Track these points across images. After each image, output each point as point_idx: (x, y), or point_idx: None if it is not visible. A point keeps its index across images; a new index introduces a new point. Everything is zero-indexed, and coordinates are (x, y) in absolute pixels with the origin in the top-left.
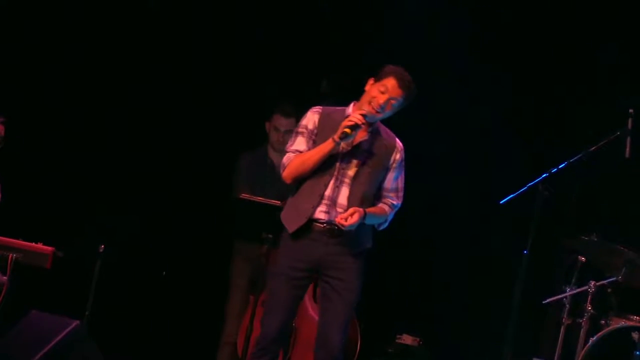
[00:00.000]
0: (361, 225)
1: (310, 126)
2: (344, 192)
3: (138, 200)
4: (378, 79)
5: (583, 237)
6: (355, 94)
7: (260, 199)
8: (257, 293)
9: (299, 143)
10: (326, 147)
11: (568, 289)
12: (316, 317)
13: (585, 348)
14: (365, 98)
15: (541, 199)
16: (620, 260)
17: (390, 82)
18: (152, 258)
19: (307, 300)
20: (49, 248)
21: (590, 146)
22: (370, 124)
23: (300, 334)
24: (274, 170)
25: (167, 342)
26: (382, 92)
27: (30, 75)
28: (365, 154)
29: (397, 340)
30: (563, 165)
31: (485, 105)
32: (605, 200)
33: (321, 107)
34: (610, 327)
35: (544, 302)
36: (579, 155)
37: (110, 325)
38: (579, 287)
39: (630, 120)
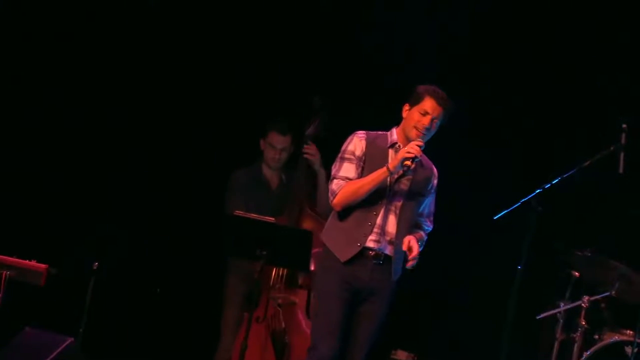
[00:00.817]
0: (401, 259)
1: (358, 152)
2: (392, 220)
3: (132, 217)
4: (414, 102)
5: (577, 252)
6: (351, 110)
7: (254, 215)
8: (252, 310)
9: (348, 170)
10: (381, 176)
11: (562, 304)
12: (308, 332)
13: None
14: (408, 124)
15: (534, 215)
16: (613, 275)
17: (428, 103)
18: (146, 275)
19: (301, 315)
20: (43, 265)
21: (583, 161)
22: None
23: (293, 349)
24: (269, 187)
25: (162, 359)
26: (424, 115)
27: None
28: (410, 181)
29: (391, 356)
30: (556, 180)
31: (480, 120)
32: (599, 215)
33: (364, 132)
34: (604, 342)
35: (538, 317)
36: (573, 171)
37: (104, 342)
38: (572, 302)
39: (623, 136)
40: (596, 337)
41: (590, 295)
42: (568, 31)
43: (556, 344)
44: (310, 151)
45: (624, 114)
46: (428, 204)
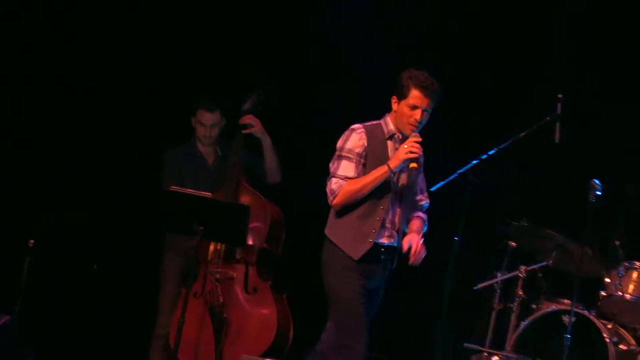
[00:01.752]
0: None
1: (359, 149)
2: (398, 211)
3: (68, 195)
4: (401, 96)
5: (513, 222)
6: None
7: (190, 191)
8: (189, 285)
9: (347, 169)
10: (383, 175)
11: (499, 274)
12: (246, 306)
13: (516, 332)
14: (401, 118)
15: (471, 186)
16: (550, 244)
17: (415, 96)
18: (83, 251)
19: (237, 291)
20: None
21: (519, 132)
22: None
23: (231, 325)
24: (204, 163)
25: (100, 335)
26: (413, 108)
27: None
28: (417, 176)
29: None
30: (493, 151)
31: None
32: (535, 185)
33: (361, 125)
34: (541, 311)
35: (475, 287)
36: (509, 142)
37: (41, 319)
38: (509, 272)
39: (559, 105)
40: (533, 306)
41: (527, 265)
42: (504, 5)
43: (494, 314)
44: (250, 122)
45: (560, 84)
46: (420, 180)
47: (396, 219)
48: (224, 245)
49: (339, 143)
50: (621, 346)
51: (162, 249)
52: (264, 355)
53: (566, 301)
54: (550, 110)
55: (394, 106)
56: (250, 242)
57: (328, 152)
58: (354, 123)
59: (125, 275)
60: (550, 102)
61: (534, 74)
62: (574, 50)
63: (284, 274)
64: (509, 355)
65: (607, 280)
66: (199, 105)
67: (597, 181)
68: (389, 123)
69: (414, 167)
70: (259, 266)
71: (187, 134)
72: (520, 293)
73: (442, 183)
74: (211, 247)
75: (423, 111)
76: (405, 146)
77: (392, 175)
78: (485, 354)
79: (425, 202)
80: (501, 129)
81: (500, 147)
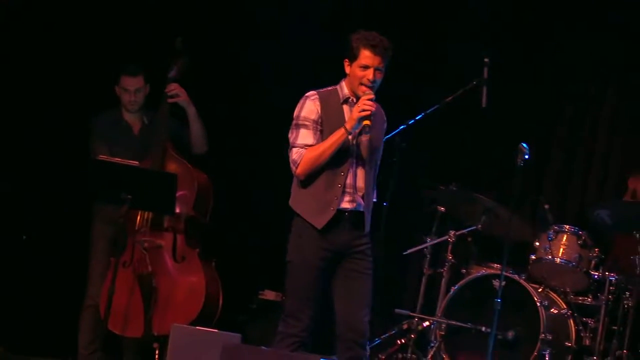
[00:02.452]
0: (370, 209)
1: (314, 116)
2: (360, 174)
3: None
4: (352, 58)
5: (441, 186)
6: (210, 53)
7: (118, 159)
8: (118, 255)
9: (306, 136)
10: (340, 138)
11: (428, 239)
12: (175, 275)
13: (447, 297)
14: (353, 81)
15: (399, 151)
16: (479, 208)
17: (365, 56)
18: (11, 222)
19: (166, 259)
20: None
21: (446, 96)
22: None
23: (160, 294)
24: (131, 131)
25: (30, 306)
26: (365, 68)
27: None
28: (370, 133)
29: (259, 296)
30: (420, 116)
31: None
32: (463, 149)
33: (315, 92)
34: (471, 276)
35: (404, 253)
36: (436, 106)
37: None
38: (439, 237)
39: (485, 70)
40: (463, 271)
41: (457, 229)
42: None
43: (424, 279)
44: (175, 90)
45: (486, 48)
46: (381, 148)
47: (359, 183)
48: (151, 214)
49: (295, 112)
50: (552, 310)
51: (91, 218)
52: (194, 323)
53: (496, 265)
54: (476, 74)
55: (347, 69)
56: (177, 210)
57: (256, 121)
58: (281, 92)
59: (55, 245)
60: (476, 66)
61: (460, 38)
62: (499, 13)
63: (212, 241)
64: (439, 320)
65: (537, 244)
66: (122, 71)
67: (525, 145)
68: (343, 87)
69: (367, 124)
70: (187, 234)
71: (113, 103)
72: (450, 258)
73: None
74: (139, 216)
75: (375, 70)
76: (359, 105)
77: (349, 139)
78: (416, 320)
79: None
80: (428, 93)
81: (427, 112)
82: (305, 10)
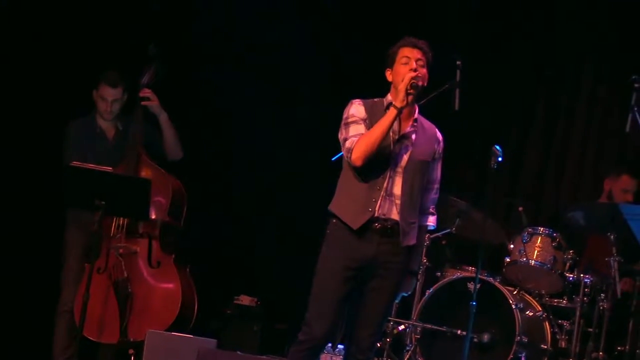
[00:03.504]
0: (409, 223)
1: (361, 115)
2: (397, 181)
3: None
4: (392, 62)
5: None
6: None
7: (91, 166)
8: (92, 260)
9: (357, 129)
10: (390, 115)
11: None
12: (151, 281)
13: (422, 300)
14: (397, 81)
15: None
16: (453, 211)
17: (404, 51)
18: None
19: (141, 265)
20: None
21: (419, 99)
22: (412, 116)
23: (136, 300)
24: (105, 137)
25: (3, 312)
26: (405, 63)
27: None
28: (412, 144)
29: (234, 302)
30: None
31: (317, 62)
32: None
33: (360, 99)
34: (446, 279)
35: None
36: None
37: None
38: None
39: (458, 73)
40: (438, 274)
41: (431, 233)
42: None
43: None
44: (148, 95)
45: (458, 51)
46: (433, 169)
47: (394, 189)
48: (126, 220)
49: (343, 115)
50: (527, 312)
51: (65, 224)
52: (170, 329)
53: (471, 268)
54: (449, 77)
55: (389, 77)
56: (152, 216)
57: (231, 126)
58: (257, 97)
59: (29, 251)
60: (449, 69)
61: (431, 41)
62: (471, 15)
63: (188, 247)
64: (415, 323)
65: (511, 246)
66: (102, 79)
67: (498, 147)
68: (388, 97)
69: (415, 82)
70: (162, 240)
71: (88, 108)
72: (425, 261)
73: (342, 153)
74: (114, 222)
75: (417, 62)
76: (404, 81)
77: (391, 144)
78: (392, 323)
79: (435, 194)
80: None
81: None
82: (281, 16)
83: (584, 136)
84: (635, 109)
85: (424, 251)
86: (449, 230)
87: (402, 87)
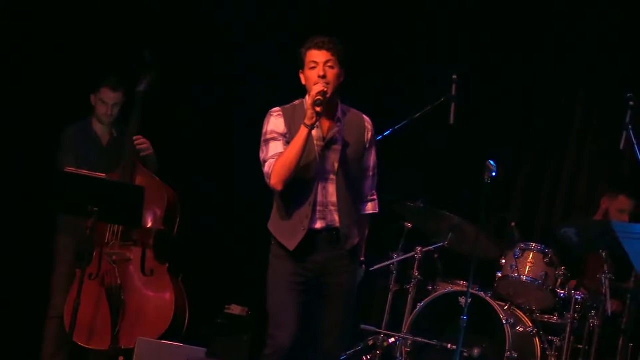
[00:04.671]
0: (351, 225)
1: (280, 129)
2: (332, 189)
3: None
4: (301, 64)
5: (409, 203)
6: (181, 64)
7: (85, 172)
8: (84, 267)
9: (276, 148)
10: (301, 135)
11: (395, 256)
12: (144, 289)
13: (413, 314)
14: (309, 86)
15: None
16: (446, 225)
17: (310, 54)
18: None
19: (134, 273)
20: None
21: (414, 112)
22: (335, 115)
23: (128, 307)
24: (100, 143)
25: None
26: (313, 67)
27: None
28: (340, 144)
29: (225, 311)
30: (388, 132)
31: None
32: (431, 166)
33: (279, 108)
34: (438, 293)
35: (371, 269)
36: (404, 122)
37: None
38: (405, 253)
39: (454, 87)
40: (430, 288)
41: (424, 246)
42: None
43: (390, 296)
44: (144, 145)
45: (455, 65)
46: (367, 158)
47: (330, 198)
48: (120, 227)
49: (263, 129)
50: (518, 328)
51: (56, 230)
52: (161, 337)
53: (462, 282)
54: (445, 92)
55: (303, 81)
56: (148, 225)
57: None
58: (251, 106)
59: (19, 255)
60: (445, 83)
61: (429, 55)
62: (467, 32)
63: (180, 256)
64: (405, 336)
65: (503, 261)
66: (103, 82)
67: (492, 162)
68: (306, 100)
69: (319, 99)
70: (155, 248)
71: (83, 113)
72: (417, 274)
73: None
74: (108, 229)
75: (325, 66)
76: (310, 96)
77: (317, 154)
78: (382, 336)
79: (371, 182)
80: (397, 109)
81: (396, 127)
82: (275, 25)
83: (578, 152)
84: (630, 126)
85: (416, 264)
86: (441, 244)
87: (308, 104)
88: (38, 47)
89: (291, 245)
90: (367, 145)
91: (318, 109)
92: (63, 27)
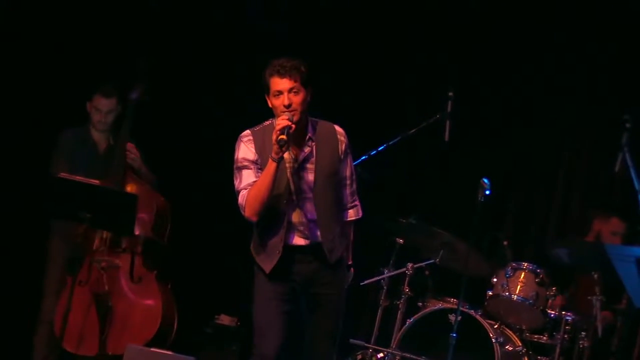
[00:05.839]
0: (334, 238)
1: (251, 157)
2: (309, 207)
3: None
4: (266, 90)
5: (401, 219)
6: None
7: (79, 178)
8: (75, 272)
9: (247, 177)
10: (270, 168)
11: (386, 271)
12: (132, 296)
13: (402, 330)
14: (276, 113)
15: (360, 181)
16: (437, 242)
17: (274, 83)
18: None
19: (123, 279)
20: None
21: (409, 129)
22: (305, 134)
23: (116, 314)
24: (96, 150)
25: None
26: (277, 95)
27: None
28: (315, 163)
29: (215, 321)
30: (382, 147)
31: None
32: (424, 182)
33: (249, 132)
34: (427, 309)
35: (361, 284)
36: (398, 138)
37: None
38: (396, 269)
39: (450, 104)
40: (420, 304)
41: (415, 262)
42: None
43: (380, 311)
44: (134, 155)
45: (451, 82)
46: (343, 168)
47: (309, 217)
48: (109, 234)
49: (234, 156)
50: (507, 347)
51: (49, 234)
52: (149, 344)
53: (453, 300)
54: (440, 108)
55: (269, 104)
56: (136, 232)
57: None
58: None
59: (11, 260)
60: (441, 100)
61: (425, 71)
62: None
63: (169, 264)
64: (394, 352)
65: (494, 280)
66: (97, 90)
67: (486, 180)
68: (275, 122)
69: (282, 138)
70: (144, 256)
71: (80, 120)
72: (407, 290)
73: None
74: (97, 236)
75: (289, 93)
76: (275, 130)
77: (288, 175)
78: (371, 351)
79: (350, 190)
80: (391, 125)
81: (390, 143)
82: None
83: (571, 172)
84: (626, 148)
85: (406, 280)
86: (432, 260)
87: (273, 139)
88: (36, 51)
89: (267, 267)
90: (342, 157)
91: (282, 147)
92: (63, 31)
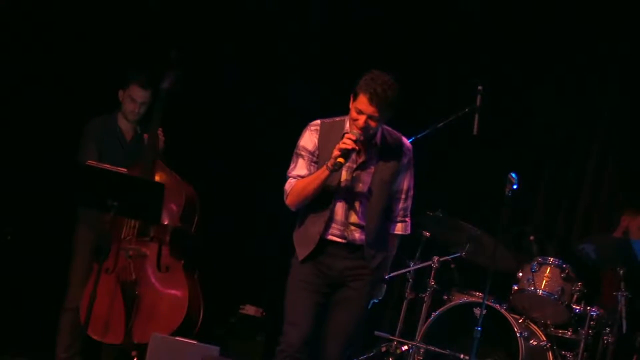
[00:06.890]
0: (379, 239)
1: (310, 147)
2: (358, 210)
3: None
4: (354, 97)
5: (428, 212)
6: (208, 63)
7: (107, 166)
8: (101, 260)
9: (300, 167)
10: (321, 174)
11: (411, 264)
12: (158, 285)
13: (427, 323)
14: (350, 119)
15: None
16: (464, 236)
17: (361, 101)
18: None
19: (149, 268)
20: None
21: (438, 122)
22: (372, 140)
23: (142, 303)
24: (123, 139)
25: (10, 306)
26: (359, 113)
27: None
28: (374, 166)
29: (240, 311)
30: (411, 140)
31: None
32: (452, 175)
33: (319, 121)
34: (453, 303)
35: (387, 276)
36: (427, 131)
37: None
38: (422, 262)
39: (479, 98)
40: (445, 297)
41: (441, 255)
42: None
43: (405, 304)
44: (160, 138)
45: (479, 76)
46: (401, 180)
47: (353, 219)
48: (137, 223)
49: (298, 141)
50: (532, 341)
51: (76, 222)
52: (174, 333)
53: (478, 293)
54: (469, 102)
55: (350, 104)
56: (165, 222)
57: (245, 136)
58: (273, 107)
59: (39, 247)
60: (470, 93)
61: (454, 65)
62: (494, 42)
63: (198, 254)
64: (419, 345)
65: (520, 274)
66: (134, 79)
67: (514, 175)
68: (346, 120)
69: (340, 161)
70: (172, 245)
71: (109, 107)
72: (432, 283)
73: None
74: (125, 224)
75: (368, 118)
76: (339, 144)
77: (343, 175)
78: (395, 343)
79: (402, 204)
80: (420, 118)
81: (418, 136)
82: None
83: (598, 168)
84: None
85: (432, 273)
86: (459, 254)
87: (335, 151)
88: (68, 39)
89: (301, 254)
90: (402, 169)
91: (340, 160)
92: (95, 18)
